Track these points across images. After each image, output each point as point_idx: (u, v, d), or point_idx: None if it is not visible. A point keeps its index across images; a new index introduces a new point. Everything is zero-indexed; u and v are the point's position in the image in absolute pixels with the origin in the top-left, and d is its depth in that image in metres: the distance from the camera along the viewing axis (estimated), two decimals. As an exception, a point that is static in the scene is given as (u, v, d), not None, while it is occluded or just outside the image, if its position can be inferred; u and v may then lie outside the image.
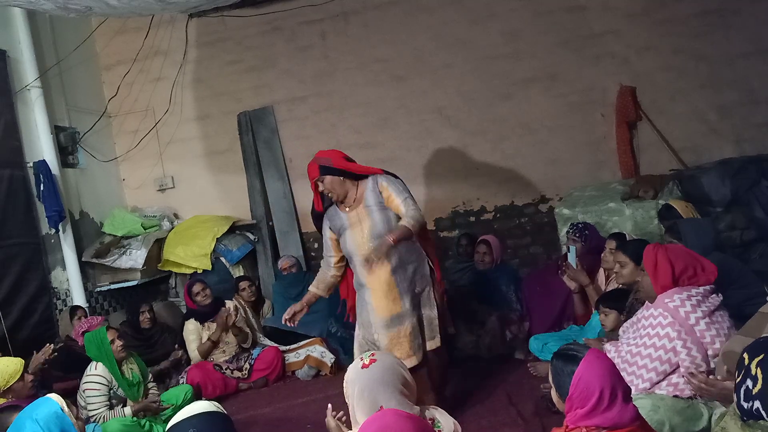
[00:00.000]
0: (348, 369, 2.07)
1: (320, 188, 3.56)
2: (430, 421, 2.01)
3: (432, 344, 3.59)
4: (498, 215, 6.26)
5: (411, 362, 3.44)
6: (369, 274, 3.52)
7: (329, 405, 2.35)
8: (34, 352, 4.00)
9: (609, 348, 3.02)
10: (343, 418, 2.28)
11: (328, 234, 3.69)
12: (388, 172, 3.69)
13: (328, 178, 3.53)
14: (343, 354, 4.91)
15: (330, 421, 2.28)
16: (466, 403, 3.88)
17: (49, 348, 4.01)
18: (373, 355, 2.05)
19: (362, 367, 2.00)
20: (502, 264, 5.28)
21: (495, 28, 6.07)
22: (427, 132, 6.28)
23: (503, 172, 6.17)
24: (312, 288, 3.82)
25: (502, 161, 6.18)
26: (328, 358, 4.96)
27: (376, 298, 3.52)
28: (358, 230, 3.54)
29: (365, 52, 6.32)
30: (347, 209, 3.59)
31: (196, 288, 5.08)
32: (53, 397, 2.45)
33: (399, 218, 3.51)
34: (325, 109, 6.43)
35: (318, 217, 3.76)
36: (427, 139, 6.29)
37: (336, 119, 6.43)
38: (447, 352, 3.82)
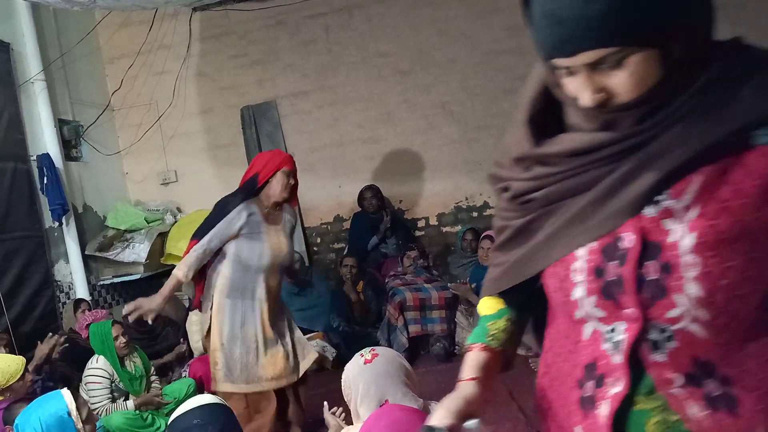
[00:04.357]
0: (346, 368, 2.04)
1: (291, 181, 3.39)
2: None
3: (305, 363, 3.58)
4: (501, 211, 6.24)
5: (288, 381, 3.48)
6: (266, 287, 3.43)
7: (325, 402, 2.34)
8: (38, 342, 4.01)
9: None
10: (342, 415, 2.27)
11: (237, 223, 3.31)
12: None
13: (296, 178, 3.46)
14: (345, 348, 4.91)
15: (329, 418, 2.27)
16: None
17: (52, 339, 4.01)
18: (373, 350, 2.04)
19: (365, 363, 1.99)
20: (505, 259, 5.28)
21: (499, 22, 6.05)
22: (431, 127, 6.28)
23: (506, 167, 6.16)
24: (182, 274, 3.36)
25: (506, 156, 6.15)
26: (330, 352, 4.97)
27: (266, 313, 3.44)
28: (275, 241, 3.41)
29: (369, 46, 6.31)
30: (266, 215, 3.42)
31: None
32: (65, 395, 2.42)
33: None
34: (329, 103, 6.42)
35: (250, 192, 3.39)
36: (430, 134, 6.28)
37: (339, 114, 6.42)
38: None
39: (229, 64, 6.55)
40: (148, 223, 6.15)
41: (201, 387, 4.51)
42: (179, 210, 6.62)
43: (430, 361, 4.87)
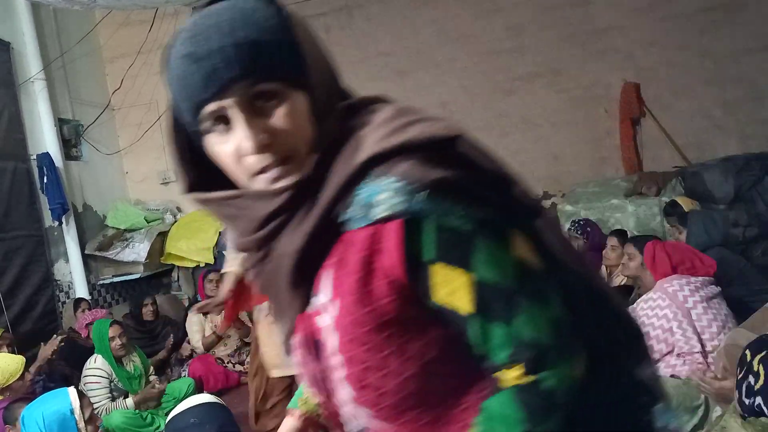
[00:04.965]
0: None
1: None
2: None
3: None
4: (500, 211, 6.25)
5: None
6: None
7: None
8: (42, 344, 4.01)
9: None
10: None
11: None
12: None
13: None
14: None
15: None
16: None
17: (56, 340, 4.03)
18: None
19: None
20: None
21: (499, 22, 6.05)
22: (430, 127, 6.27)
23: (506, 167, 6.16)
24: None
25: (505, 157, 5.94)
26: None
27: None
28: None
29: (369, 46, 6.31)
30: None
31: (212, 276, 5.06)
32: (70, 393, 2.43)
33: None
34: (328, 103, 6.42)
35: None
36: (430, 134, 6.27)
37: (339, 113, 6.41)
38: None
39: (229, 64, 6.54)
40: (147, 222, 6.15)
41: (201, 386, 4.52)
42: (179, 209, 6.62)
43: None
